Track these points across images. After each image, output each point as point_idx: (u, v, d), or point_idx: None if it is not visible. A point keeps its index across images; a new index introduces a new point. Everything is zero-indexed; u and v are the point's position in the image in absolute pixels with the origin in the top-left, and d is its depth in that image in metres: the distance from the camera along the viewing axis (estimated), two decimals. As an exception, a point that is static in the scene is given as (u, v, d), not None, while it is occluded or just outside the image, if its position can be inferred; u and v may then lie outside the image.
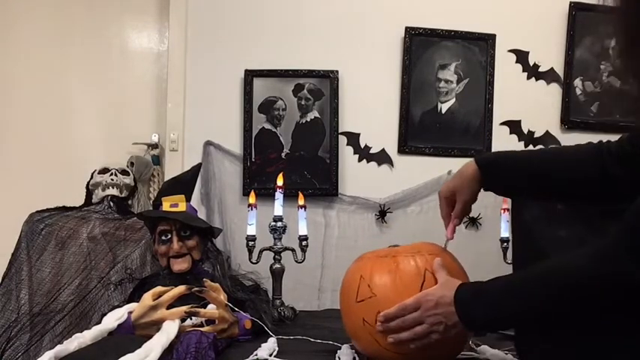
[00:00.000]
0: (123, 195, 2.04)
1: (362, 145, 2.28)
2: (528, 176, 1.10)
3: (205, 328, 1.30)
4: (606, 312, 0.83)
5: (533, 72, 2.30)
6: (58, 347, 1.20)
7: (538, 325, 0.93)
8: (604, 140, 1.07)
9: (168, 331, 1.23)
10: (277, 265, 1.76)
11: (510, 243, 1.85)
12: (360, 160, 2.28)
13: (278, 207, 1.76)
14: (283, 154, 2.25)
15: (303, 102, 2.26)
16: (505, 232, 1.86)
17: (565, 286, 0.85)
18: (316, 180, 2.24)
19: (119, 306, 1.43)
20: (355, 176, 2.27)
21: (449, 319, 0.98)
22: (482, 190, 1.16)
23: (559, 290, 0.85)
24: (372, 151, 2.28)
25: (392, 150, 2.28)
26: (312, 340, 1.38)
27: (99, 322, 1.33)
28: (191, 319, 1.33)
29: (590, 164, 1.03)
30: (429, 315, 1.00)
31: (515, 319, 0.95)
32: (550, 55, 2.29)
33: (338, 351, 1.27)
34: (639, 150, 0.96)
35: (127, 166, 2.17)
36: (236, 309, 1.41)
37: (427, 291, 1.03)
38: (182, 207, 1.62)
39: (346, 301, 1.17)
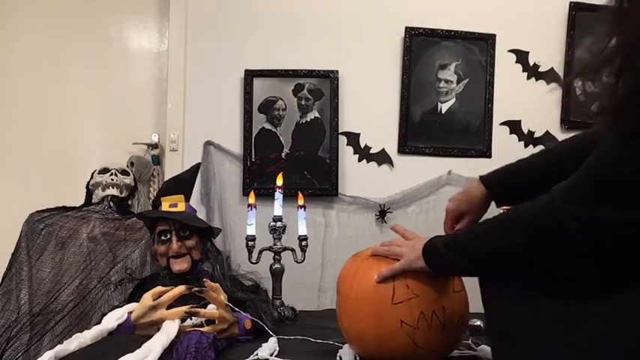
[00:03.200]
0: (123, 195, 2.04)
1: (362, 145, 2.28)
2: (537, 184, 1.11)
3: (205, 328, 1.30)
4: (562, 267, 0.86)
5: (533, 72, 2.30)
6: (58, 347, 1.20)
7: (497, 274, 0.97)
8: None
9: (168, 331, 1.23)
10: (277, 265, 1.76)
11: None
12: (360, 160, 2.28)
13: (278, 207, 1.76)
14: (283, 154, 2.25)
15: (303, 102, 2.26)
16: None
17: (512, 228, 0.91)
18: (316, 180, 2.24)
19: (119, 306, 1.43)
20: (355, 176, 2.27)
21: (414, 252, 1.11)
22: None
23: (509, 234, 0.92)
24: (372, 151, 2.28)
25: (392, 150, 2.28)
26: (313, 340, 1.38)
27: (99, 322, 1.34)
28: (191, 319, 1.33)
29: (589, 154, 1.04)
30: (403, 248, 1.15)
31: (474, 264, 1.00)
32: (550, 55, 2.29)
33: (340, 350, 1.27)
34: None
35: (127, 166, 2.17)
36: (236, 309, 1.41)
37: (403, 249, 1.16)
38: (181, 207, 1.62)
39: (374, 304, 1.14)
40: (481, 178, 1.20)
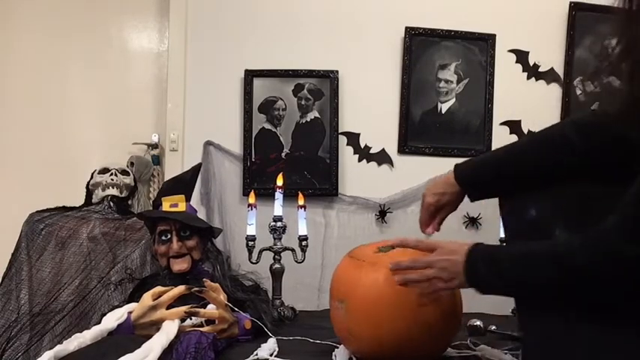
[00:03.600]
0: (123, 195, 2.04)
1: (362, 145, 2.28)
2: (508, 180, 1.12)
3: (205, 328, 1.30)
4: (609, 299, 0.83)
5: (533, 72, 2.30)
6: (58, 347, 1.21)
7: (537, 300, 0.95)
8: None
9: (168, 331, 1.24)
10: (277, 265, 1.76)
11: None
12: (360, 160, 2.28)
13: (278, 207, 1.76)
14: (283, 154, 2.25)
15: (303, 102, 2.26)
16: (504, 232, 1.86)
17: (563, 266, 0.86)
18: (316, 180, 2.24)
19: (119, 306, 1.43)
20: (355, 176, 2.27)
21: (454, 267, 1.00)
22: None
23: (557, 271, 0.86)
24: (372, 151, 2.28)
25: (392, 150, 2.28)
26: (311, 340, 1.38)
27: (99, 322, 1.34)
28: (191, 319, 1.33)
29: (558, 150, 1.04)
30: (439, 259, 1.04)
31: (514, 289, 0.97)
32: (550, 55, 2.29)
33: (335, 350, 1.28)
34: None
35: (127, 166, 2.17)
36: (236, 309, 1.41)
37: (447, 242, 1.08)
38: (182, 207, 1.62)
39: (398, 306, 1.13)
40: (455, 174, 1.20)
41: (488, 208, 2.08)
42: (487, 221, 2.18)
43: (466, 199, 1.20)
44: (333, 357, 1.26)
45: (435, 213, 1.24)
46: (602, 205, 0.82)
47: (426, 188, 1.26)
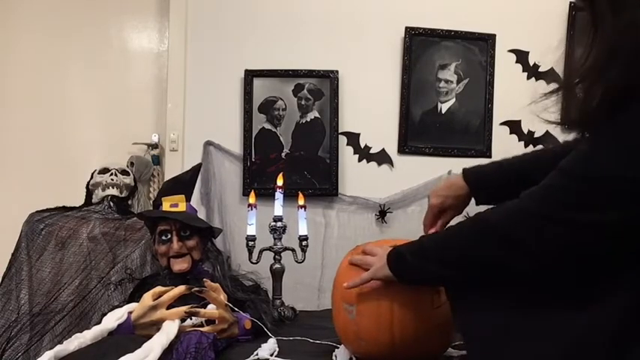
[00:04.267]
0: (123, 195, 2.04)
1: (362, 145, 2.28)
2: (518, 186, 1.13)
3: (205, 328, 1.30)
4: (529, 266, 0.85)
5: (533, 72, 2.30)
6: (58, 347, 1.21)
7: (462, 279, 0.97)
8: None
9: (168, 331, 1.24)
10: (277, 265, 1.76)
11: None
12: (360, 160, 2.28)
13: (278, 207, 1.77)
14: (283, 154, 2.25)
15: (303, 102, 2.26)
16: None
17: (481, 234, 0.91)
18: (316, 180, 2.24)
19: (119, 306, 1.43)
20: (355, 176, 2.27)
21: (380, 262, 1.10)
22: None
23: (478, 240, 0.91)
24: (372, 151, 2.28)
25: (392, 150, 2.28)
26: (311, 340, 1.38)
27: (99, 322, 1.34)
28: (191, 319, 1.33)
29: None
30: (374, 262, 1.13)
31: (438, 267, 0.99)
32: (550, 55, 2.29)
33: (336, 350, 1.28)
34: None
35: (127, 166, 2.17)
36: (236, 309, 1.41)
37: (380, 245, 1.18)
38: (182, 207, 1.62)
39: (412, 308, 1.14)
40: (464, 175, 1.22)
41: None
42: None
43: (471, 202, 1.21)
44: (334, 357, 1.26)
45: (439, 215, 1.24)
46: None
47: (432, 190, 1.28)
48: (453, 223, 1.27)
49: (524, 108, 2.23)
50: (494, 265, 0.88)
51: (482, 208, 1.22)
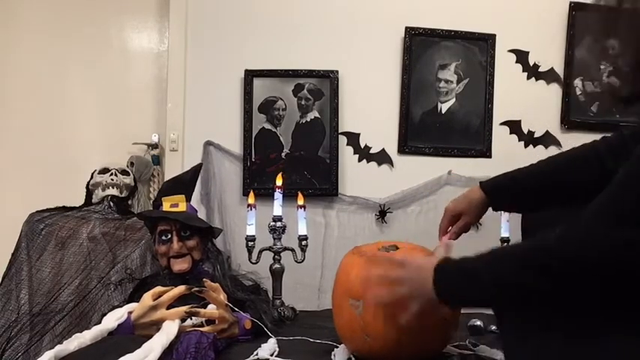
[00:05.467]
0: (123, 195, 2.04)
1: (362, 145, 2.28)
2: (534, 192, 1.15)
3: (205, 328, 1.30)
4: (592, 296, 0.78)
5: (533, 72, 2.30)
6: (58, 347, 1.21)
7: (512, 305, 0.90)
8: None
9: (168, 331, 1.24)
10: (277, 265, 1.76)
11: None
12: (360, 160, 2.28)
13: (278, 207, 1.76)
14: (283, 154, 2.25)
15: (303, 102, 2.26)
16: (505, 232, 1.86)
17: (536, 265, 0.80)
18: (316, 180, 2.24)
19: (119, 306, 1.43)
20: (355, 176, 2.27)
21: (423, 284, 0.96)
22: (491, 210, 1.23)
23: (530, 269, 0.81)
24: (372, 151, 2.28)
25: (392, 150, 2.28)
26: (311, 340, 1.38)
27: (99, 322, 1.34)
28: (191, 319, 1.33)
29: (590, 164, 1.04)
30: (409, 277, 0.99)
31: (490, 296, 0.90)
32: (550, 55, 2.29)
33: (335, 349, 1.28)
34: None
35: (127, 166, 2.17)
36: (236, 309, 1.41)
37: (415, 255, 1.09)
38: (182, 207, 1.62)
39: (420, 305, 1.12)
40: (481, 183, 1.23)
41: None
42: (487, 221, 2.17)
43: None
44: (332, 356, 1.26)
45: (452, 220, 1.26)
46: None
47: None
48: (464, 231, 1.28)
49: (524, 108, 2.24)
50: (553, 295, 0.80)
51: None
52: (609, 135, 1.06)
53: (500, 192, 1.20)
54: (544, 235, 0.81)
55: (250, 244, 1.75)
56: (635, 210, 0.71)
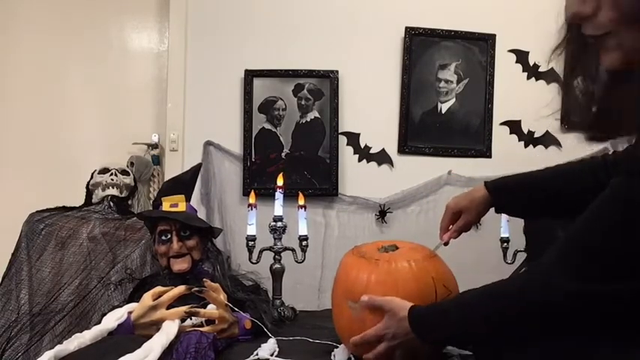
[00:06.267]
0: (123, 195, 2.04)
1: (362, 145, 2.28)
2: (537, 198, 1.16)
3: (205, 328, 1.30)
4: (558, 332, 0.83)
5: (533, 72, 2.30)
6: (58, 347, 1.21)
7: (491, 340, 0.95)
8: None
9: (168, 331, 1.23)
10: (277, 265, 1.76)
11: (511, 244, 1.87)
12: (360, 160, 2.28)
13: (278, 207, 1.76)
14: (283, 154, 2.25)
15: (303, 102, 2.26)
16: (505, 232, 1.87)
17: (496, 310, 0.88)
18: (316, 180, 2.24)
19: (119, 306, 1.43)
20: (355, 176, 2.27)
21: (402, 328, 1.04)
22: (493, 211, 1.24)
23: (493, 313, 0.88)
24: (372, 151, 2.28)
25: (392, 150, 2.28)
26: (311, 340, 1.38)
27: (99, 322, 1.34)
28: (191, 319, 1.33)
29: (593, 176, 1.04)
30: (394, 344, 1.07)
31: (463, 337, 1.00)
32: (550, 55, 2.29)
33: (335, 349, 1.27)
34: None
35: (127, 166, 2.17)
36: (236, 309, 1.41)
37: (380, 326, 1.09)
38: (182, 207, 1.62)
39: (423, 301, 1.12)
40: (485, 182, 1.23)
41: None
42: (487, 221, 2.17)
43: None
44: (332, 357, 1.25)
45: (453, 218, 1.26)
46: None
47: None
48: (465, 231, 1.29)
49: (524, 108, 2.24)
50: (518, 330, 0.87)
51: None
52: (610, 155, 1.07)
53: (504, 193, 1.20)
54: (512, 278, 0.90)
55: (251, 244, 1.75)
56: (584, 265, 0.77)
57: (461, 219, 1.25)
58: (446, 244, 1.29)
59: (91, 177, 2.05)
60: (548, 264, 0.82)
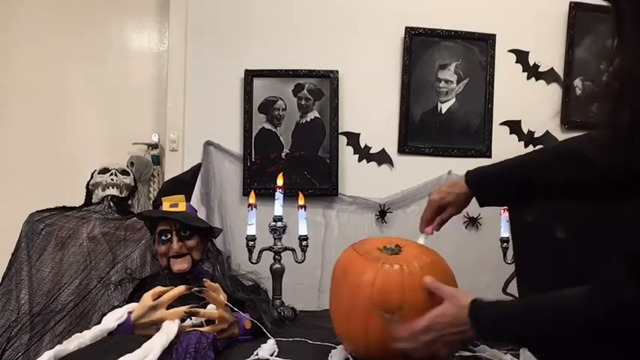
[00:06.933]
0: (123, 195, 2.04)
1: (362, 145, 2.28)
2: (516, 186, 1.14)
3: (205, 328, 1.30)
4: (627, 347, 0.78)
5: (533, 72, 2.30)
6: (58, 347, 1.21)
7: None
8: None
9: (168, 331, 1.24)
10: (277, 265, 1.76)
11: (511, 243, 1.87)
12: (360, 160, 2.28)
13: (278, 207, 1.76)
14: (283, 154, 2.25)
15: (303, 102, 2.26)
16: (505, 232, 1.87)
17: (570, 323, 0.82)
18: (316, 180, 2.24)
19: (119, 306, 1.43)
20: (355, 176, 2.27)
21: (464, 335, 0.97)
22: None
23: (565, 326, 0.83)
24: (372, 151, 2.28)
25: (392, 150, 2.28)
26: (310, 342, 1.38)
27: (99, 322, 1.34)
28: (191, 319, 1.33)
29: (575, 161, 1.02)
30: (443, 334, 0.99)
31: (530, 343, 0.94)
32: (550, 55, 2.29)
33: (332, 350, 1.27)
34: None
35: (127, 166, 2.17)
36: (236, 309, 1.41)
37: (437, 312, 1.01)
38: (182, 207, 1.62)
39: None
40: (466, 176, 1.24)
41: (489, 208, 2.09)
42: (487, 221, 2.18)
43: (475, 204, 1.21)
44: (330, 358, 1.25)
45: (437, 211, 1.25)
46: (606, 210, 0.80)
47: (434, 188, 1.28)
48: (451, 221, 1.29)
49: (524, 108, 2.24)
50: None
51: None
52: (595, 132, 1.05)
53: (485, 189, 1.20)
54: (579, 291, 0.82)
55: (251, 244, 1.75)
56: None
57: (445, 212, 1.25)
58: (429, 234, 1.28)
59: (91, 177, 2.05)
60: (617, 279, 0.77)
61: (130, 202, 2.10)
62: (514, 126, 2.29)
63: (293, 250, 1.79)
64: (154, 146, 2.36)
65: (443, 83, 2.28)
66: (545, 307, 0.87)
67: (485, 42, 2.27)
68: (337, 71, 2.25)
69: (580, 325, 0.80)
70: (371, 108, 2.28)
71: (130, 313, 1.34)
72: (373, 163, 2.28)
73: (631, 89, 0.71)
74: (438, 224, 1.26)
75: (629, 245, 0.76)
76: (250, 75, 2.25)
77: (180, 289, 1.35)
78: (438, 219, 1.26)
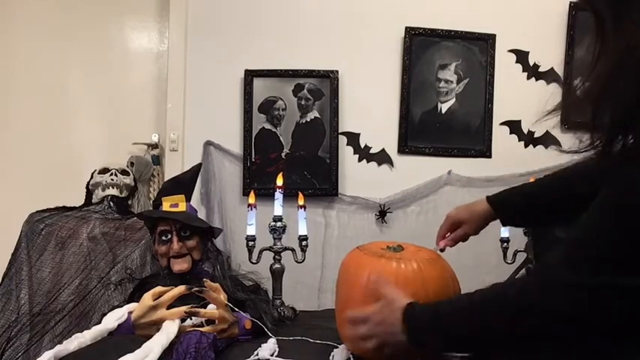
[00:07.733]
0: (123, 195, 2.04)
1: (362, 145, 2.28)
2: (538, 208, 1.17)
3: (205, 328, 1.30)
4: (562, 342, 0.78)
5: (533, 72, 2.30)
6: (58, 347, 1.21)
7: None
8: None
9: (168, 331, 1.24)
10: (277, 265, 1.76)
11: (511, 244, 1.87)
12: (360, 160, 2.28)
13: (278, 207, 1.76)
14: (283, 154, 2.25)
15: (303, 102, 2.26)
16: (505, 232, 1.86)
17: (511, 308, 0.81)
18: (316, 180, 2.24)
19: (119, 306, 1.43)
20: (355, 176, 2.27)
21: (396, 338, 0.95)
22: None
23: (492, 318, 0.82)
24: (372, 151, 2.28)
25: (392, 150, 2.28)
26: (311, 340, 1.38)
27: (99, 322, 1.34)
28: (191, 319, 1.33)
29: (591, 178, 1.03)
30: (375, 332, 0.99)
31: (470, 343, 0.90)
32: (550, 55, 2.29)
33: (334, 350, 1.27)
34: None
35: (127, 166, 2.17)
36: (236, 309, 1.41)
37: (372, 309, 1.01)
38: (182, 207, 1.61)
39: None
40: (488, 197, 1.25)
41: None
42: (487, 221, 2.18)
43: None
44: (331, 358, 1.25)
45: (451, 227, 1.27)
46: None
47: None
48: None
49: (524, 108, 2.24)
50: (519, 339, 0.81)
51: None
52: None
53: (506, 206, 1.22)
54: (508, 284, 0.85)
55: (250, 244, 1.75)
56: (595, 258, 0.72)
57: (460, 229, 1.27)
58: (442, 250, 1.30)
59: (91, 177, 2.05)
60: (548, 265, 0.79)
61: (130, 202, 2.10)
62: (514, 126, 2.29)
63: (293, 250, 1.79)
64: (154, 146, 2.36)
65: (443, 83, 2.28)
66: (484, 296, 0.87)
67: (485, 42, 2.27)
68: (337, 71, 2.25)
69: (518, 306, 0.79)
70: (371, 108, 2.28)
71: (130, 313, 1.34)
72: (373, 163, 2.28)
73: (608, 94, 0.72)
74: (452, 240, 1.28)
75: (572, 233, 0.77)
76: (250, 75, 2.25)
77: (180, 289, 1.35)
78: (453, 235, 1.27)
